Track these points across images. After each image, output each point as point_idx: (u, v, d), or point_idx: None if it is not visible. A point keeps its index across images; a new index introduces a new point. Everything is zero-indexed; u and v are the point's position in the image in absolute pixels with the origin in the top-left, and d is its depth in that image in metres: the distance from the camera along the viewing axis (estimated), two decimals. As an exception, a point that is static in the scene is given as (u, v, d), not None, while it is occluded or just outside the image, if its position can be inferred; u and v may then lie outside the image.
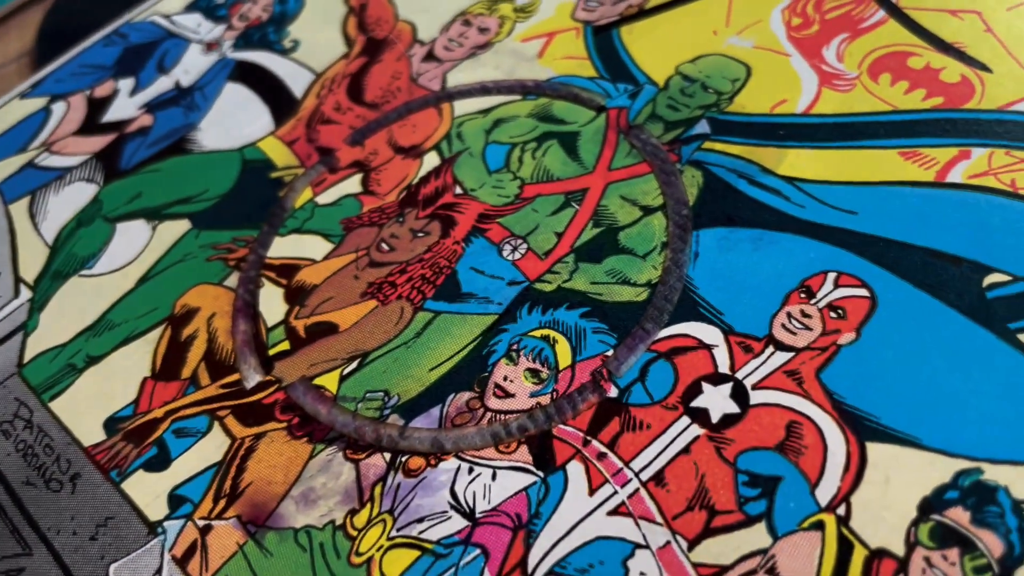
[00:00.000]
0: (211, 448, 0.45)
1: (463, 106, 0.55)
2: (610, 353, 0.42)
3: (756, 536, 0.36)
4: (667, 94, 0.51)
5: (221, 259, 0.52)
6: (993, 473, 0.35)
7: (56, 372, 0.50)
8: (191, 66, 0.63)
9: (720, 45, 0.53)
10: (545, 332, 0.44)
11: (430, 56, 0.58)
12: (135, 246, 0.54)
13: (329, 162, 0.55)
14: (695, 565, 0.36)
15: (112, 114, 0.63)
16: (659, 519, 0.37)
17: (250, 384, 0.46)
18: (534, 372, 0.43)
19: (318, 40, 0.62)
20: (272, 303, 0.49)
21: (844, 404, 0.38)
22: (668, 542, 0.37)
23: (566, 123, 0.52)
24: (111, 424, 0.47)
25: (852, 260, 0.42)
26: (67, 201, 0.58)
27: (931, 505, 0.35)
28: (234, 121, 0.59)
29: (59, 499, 0.45)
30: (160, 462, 0.45)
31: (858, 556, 0.35)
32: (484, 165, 0.52)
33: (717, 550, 0.36)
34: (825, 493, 0.36)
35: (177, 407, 0.47)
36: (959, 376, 0.38)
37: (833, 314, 0.41)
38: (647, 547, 0.37)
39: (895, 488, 0.36)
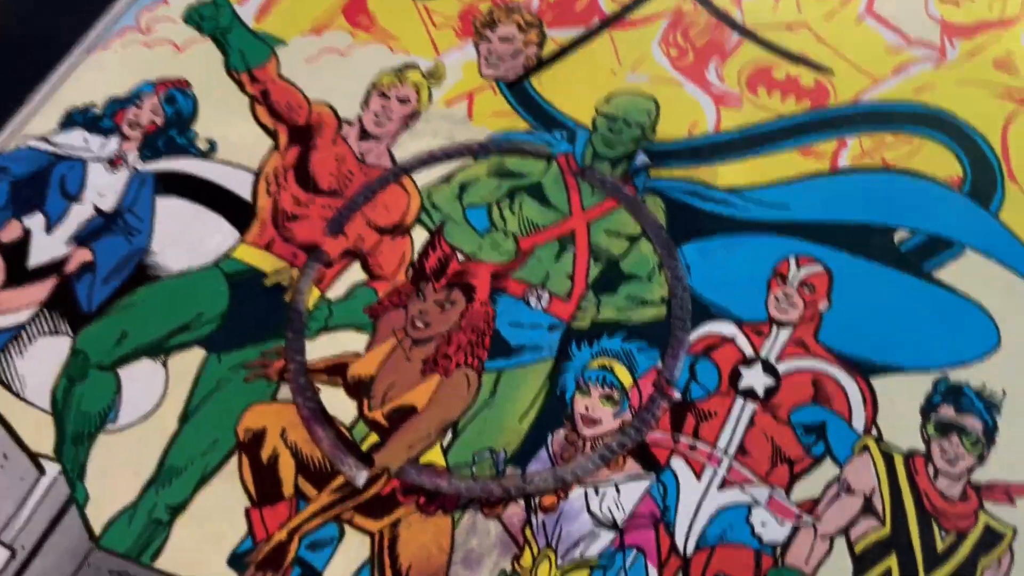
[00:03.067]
0: (354, 549, 0.49)
1: (422, 177, 0.60)
2: (660, 365, 0.53)
3: (827, 469, 0.49)
4: (599, 134, 0.61)
5: (261, 376, 0.54)
6: (955, 375, 0.51)
7: (142, 532, 0.50)
8: (103, 188, 0.61)
9: (623, 82, 0.63)
10: (600, 361, 0.53)
11: (365, 134, 0.62)
12: (154, 387, 0.55)
13: (319, 257, 0.58)
14: (797, 504, 0.48)
15: (38, 256, 0.59)
16: (756, 480, 0.49)
17: (360, 482, 0.51)
18: (607, 397, 0.52)
19: (235, 136, 0.63)
20: (338, 403, 0.53)
21: (843, 354, 0.52)
22: (771, 495, 0.49)
23: (524, 176, 0.60)
24: (237, 561, 0.49)
25: (800, 244, 0.56)
26: (39, 361, 0.56)
27: (926, 409, 0.50)
28: (192, 237, 0.59)
29: (222, 646, 0.47)
30: (310, 577, 0.49)
31: (899, 460, 0.49)
32: (472, 228, 0.58)
33: (807, 489, 0.49)
34: (858, 423, 0.50)
35: (298, 524, 0.50)
36: (908, 313, 0.53)
37: (806, 289, 0.54)
38: (758, 503, 0.49)
39: (900, 405, 0.51)
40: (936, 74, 0.61)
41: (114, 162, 0.63)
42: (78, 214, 0.61)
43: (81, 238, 0.60)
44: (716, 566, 0.47)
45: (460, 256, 0.57)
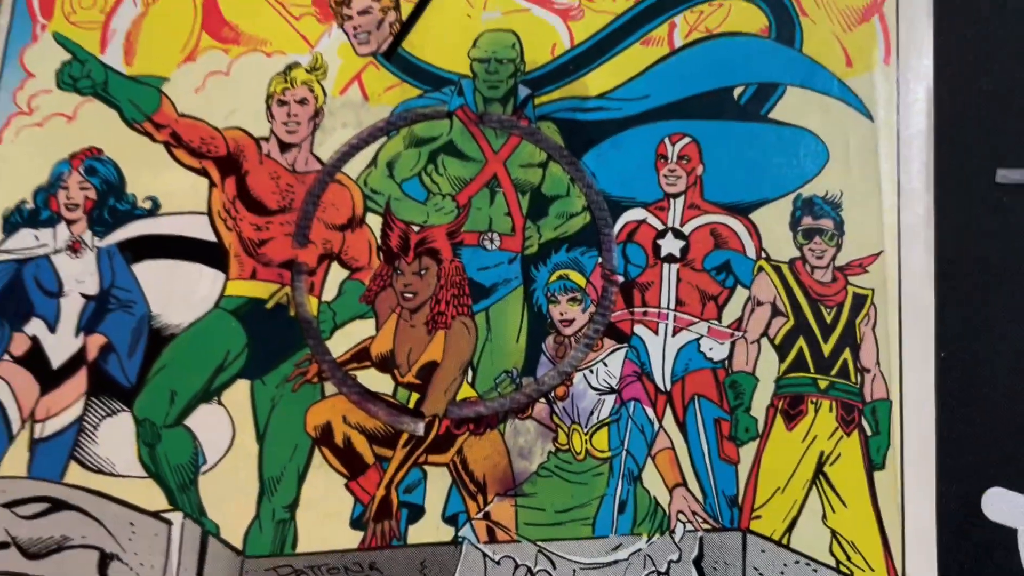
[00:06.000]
0: (439, 480, 0.65)
1: (352, 168, 0.69)
2: (600, 260, 0.67)
3: (740, 294, 0.67)
4: (480, 79, 0.71)
5: (305, 382, 0.66)
6: (805, 191, 0.68)
7: (274, 533, 0.64)
8: (79, 274, 0.68)
9: (481, 24, 0.71)
10: (558, 274, 0.67)
11: (284, 145, 0.70)
12: (222, 425, 0.66)
13: (301, 269, 0.68)
14: (728, 326, 0.66)
15: (57, 357, 0.67)
16: (696, 320, 0.67)
17: (421, 431, 0.65)
18: (572, 299, 0.67)
19: (170, 186, 0.69)
20: (375, 380, 0.66)
21: (723, 204, 0.68)
22: (709, 327, 0.67)
23: (436, 139, 0.70)
24: (357, 523, 0.64)
25: (668, 125, 0.69)
26: (113, 441, 0.65)
27: (793, 225, 0.68)
28: (182, 290, 0.67)
29: (378, 582, 0.63)
30: (417, 514, 0.64)
31: (785, 269, 0.67)
32: (413, 200, 0.69)
33: (731, 313, 0.67)
34: (751, 252, 0.67)
35: (389, 480, 0.65)
36: (761, 154, 0.69)
37: (684, 161, 0.69)
38: (702, 336, 0.66)
39: (774, 229, 0.68)
40: (723, -64, 0.73)
41: (73, 247, 0.68)
42: (70, 307, 0.68)
43: (87, 326, 0.67)
44: (690, 390, 0.66)
45: (415, 228, 0.68)
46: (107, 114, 0.70)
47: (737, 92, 0.70)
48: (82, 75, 0.70)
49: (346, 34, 0.72)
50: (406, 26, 0.72)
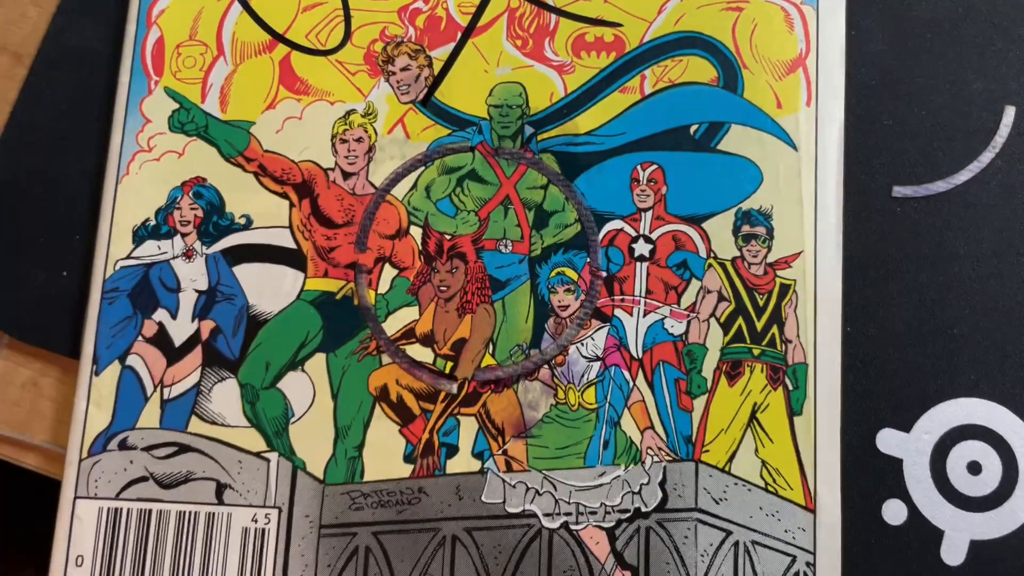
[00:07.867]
0: (469, 427, 0.86)
1: (398, 191, 0.90)
2: (588, 260, 0.89)
3: (694, 285, 0.88)
4: (495, 121, 0.91)
5: (367, 355, 0.87)
6: (745, 206, 0.89)
7: (347, 467, 0.86)
8: (192, 275, 0.89)
9: (495, 77, 0.92)
10: (556, 271, 0.89)
11: (346, 174, 0.91)
12: (305, 387, 0.87)
13: (362, 269, 0.89)
14: (685, 309, 0.88)
15: (179, 338, 0.88)
16: (661, 305, 0.88)
17: (455, 390, 0.87)
18: (568, 290, 0.88)
19: (259, 207, 0.90)
20: (420, 353, 0.88)
21: (683, 215, 0.89)
22: (671, 309, 0.88)
23: (462, 167, 0.91)
24: (408, 458, 0.86)
25: (640, 155, 0.90)
26: (224, 400, 0.87)
27: (735, 231, 0.89)
28: (272, 286, 0.89)
29: (425, 504, 0.85)
30: (453, 451, 0.86)
31: (728, 265, 0.89)
32: (446, 215, 0.90)
33: (687, 299, 0.88)
34: (703, 252, 0.89)
35: (432, 426, 0.86)
36: (711, 177, 0.90)
37: (652, 183, 0.90)
38: (665, 316, 0.88)
39: (721, 234, 0.89)
40: (683, 5, 0.93)
41: (187, 254, 0.90)
42: (187, 299, 0.89)
43: (200, 314, 0.88)
44: (656, 357, 0.87)
45: (447, 236, 0.90)
46: (208, 151, 0.91)
47: (693, 129, 0.91)
48: (188, 120, 0.91)
49: (391, 87, 0.92)
50: (437, 80, 0.93)
